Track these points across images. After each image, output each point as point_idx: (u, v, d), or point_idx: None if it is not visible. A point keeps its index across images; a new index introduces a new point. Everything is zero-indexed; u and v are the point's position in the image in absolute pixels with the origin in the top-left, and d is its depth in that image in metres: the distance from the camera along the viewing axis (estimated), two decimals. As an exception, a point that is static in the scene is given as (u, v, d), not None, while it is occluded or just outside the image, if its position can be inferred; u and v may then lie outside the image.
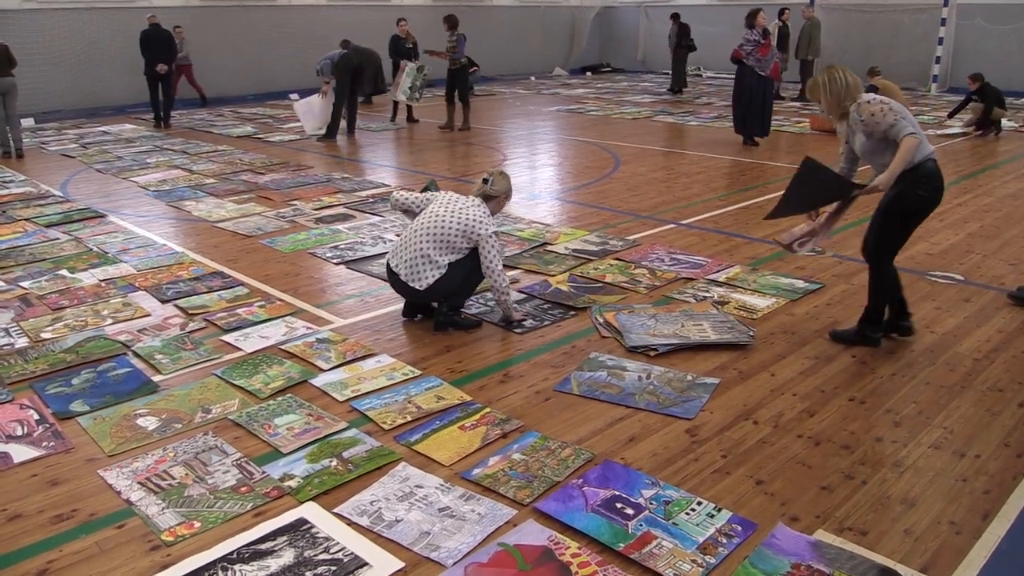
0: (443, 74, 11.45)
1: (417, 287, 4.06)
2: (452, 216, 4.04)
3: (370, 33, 16.39)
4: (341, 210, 6.81)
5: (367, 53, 13.35)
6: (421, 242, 4.05)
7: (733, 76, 9.81)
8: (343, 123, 10.86)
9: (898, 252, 3.84)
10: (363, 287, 4.91)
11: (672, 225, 6.21)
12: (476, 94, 16.55)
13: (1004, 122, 11.60)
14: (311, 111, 10.83)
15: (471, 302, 4.54)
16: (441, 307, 4.23)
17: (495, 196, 4.21)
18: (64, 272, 5.19)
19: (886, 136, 3.61)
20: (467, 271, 4.11)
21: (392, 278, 4.21)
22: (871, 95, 3.72)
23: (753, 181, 7.85)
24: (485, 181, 4.21)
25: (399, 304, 4.59)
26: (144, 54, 11.52)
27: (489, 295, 4.66)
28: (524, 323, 4.27)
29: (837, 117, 3.82)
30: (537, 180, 8.23)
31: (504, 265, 5.18)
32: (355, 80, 10.66)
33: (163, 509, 2.68)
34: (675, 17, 15.69)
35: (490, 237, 4.01)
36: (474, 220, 4.02)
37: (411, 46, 12.38)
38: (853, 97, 3.72)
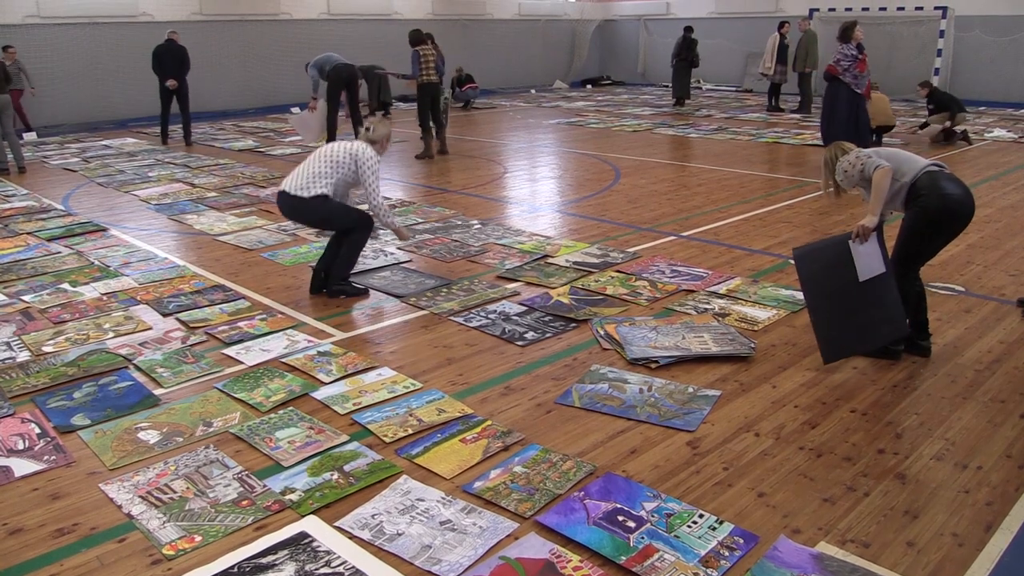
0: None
1: (304, 195, 4.69)
2: (341, 147, 4.80)
3: (370, 47, 16.50)
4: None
5: (366, 70, 13.42)
6: (314, 164, 4.77)
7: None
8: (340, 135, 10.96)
9: (913, 269, 3.83)
10: (364, 300, 4.91)
11: (673, 237, 6.22)
12: (476, 107, 16.63)
13: (1004, 132, 11.64)
14: (306, 124, 11.00)
15: (475, 313, 4.56)
16: (334, 278, 4.90)
17: (377, 140, 4.89)
18: (66, 286, 5.20)
19: (866, 180, 3.73)
20: (346, 215, 4.86)
21: (283, 201, 4.83)
22: (843, 160, 3.84)
23: (754, 193, 7.87)
24: (367, 129, 4.92)
25: (401, 316, 4.61)
26: (156, 70, 11.32)
27: (491, 307, 4.67)
28: (411, 240, 5.29)
29: (845, 188, 3.94)
30: (538, 193, 8.25)
31: (505, 277, 5.22)
32: (351, 93, 10.68)
33: (164, 523, 2.68)
34: (687, 30, 15.72)
35: (372, 160, 4.76)
36: (359, 149, 4.77)
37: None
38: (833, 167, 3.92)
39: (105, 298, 4.97)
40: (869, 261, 3.74)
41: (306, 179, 4.74)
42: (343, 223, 4.90)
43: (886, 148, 3.92)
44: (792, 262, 5.44)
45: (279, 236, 6.42)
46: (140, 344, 4.23)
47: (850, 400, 3.52)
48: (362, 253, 5.84)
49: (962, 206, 3.69)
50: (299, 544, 2.55)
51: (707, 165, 9.53)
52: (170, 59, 11.30)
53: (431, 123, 10.15)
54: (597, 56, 22.68)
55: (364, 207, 5.09)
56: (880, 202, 3.68)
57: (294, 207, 4.82)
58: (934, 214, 3.67)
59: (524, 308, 4.68)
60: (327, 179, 4.73)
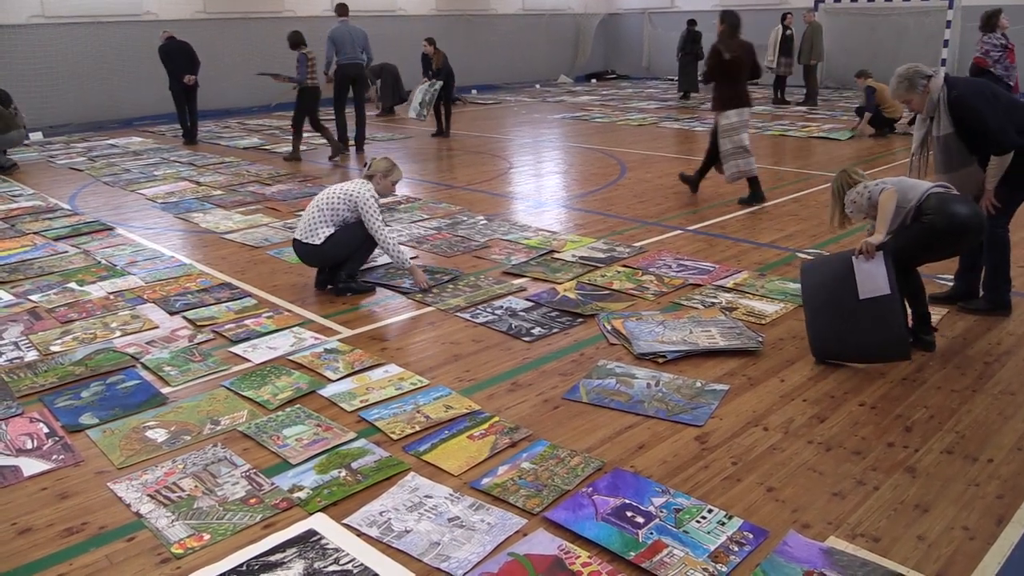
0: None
1: (315, 242, 4.78)
2: (338, 189, 4.87)
3: (375, 43, 16.46)
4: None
5: (387, 67, 13.31)
6: (313, 211, 4.85)
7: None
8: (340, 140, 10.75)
9: (909, 268, 3.81)
10: (370, 297, 4.91)
11: (679, 231, 6.20)
12: (477, 102, 16.60)
13: None
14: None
15: (482, 309, 4.55)
16: (340, 275, 4.91)
17: (374, 176, 4.95)
18: (73, 285, 5.21)
19: (874, 207, 3.78)
20: (357, 236, 4.83)
21: (297, 248, 4.95)
22: (851, 191, 3.92)
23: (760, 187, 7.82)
24: (365, 166, 5.08)
25: (406, 314, 4.61)
26: (167, 68, 11.14)
27: (497, 303, 4.66)
28: (431, 291, 4.96)
29: (854, 218, 4.04)
30: (543, 188, 8.23)
31: (511, 273, 5.21)
32: (357, 91, 10.36)
33: (173, 522, 2.68)
34: (691, 23, 15.67)
35: (368, 200, 4.78)
36: (354, 190, 4.82)
37: (436, 67, 11.86)
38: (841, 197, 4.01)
39: (112, 297, 4.98)
40: (872, 279, 3.63)
41: (310, 226, 4.81)
42: (356, 244, 4.87)
43: (893, 177, 3.95)
44: (800, 255, 5.43)
45: (285, 234, 6.42)
46: (147, 343, 4.24)
47: (859, 394, 3.51)
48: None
49: (967, 227, 3.68)
50: (307, 542, 2.55)
51: (713, 159, 9.48)
52: (180, 56, 11.09)
53: (303, 127, 10.11)
54: (601, 50, 22.60)
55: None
56: (886, 222, 3.68)
57: (309, 253, 4.88)
58: (939, 233, 3.68)
59: (530, 304, 4.67)
60: (328, 224, 4.79)
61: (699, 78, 16.69)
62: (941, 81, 3.98)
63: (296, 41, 9.91)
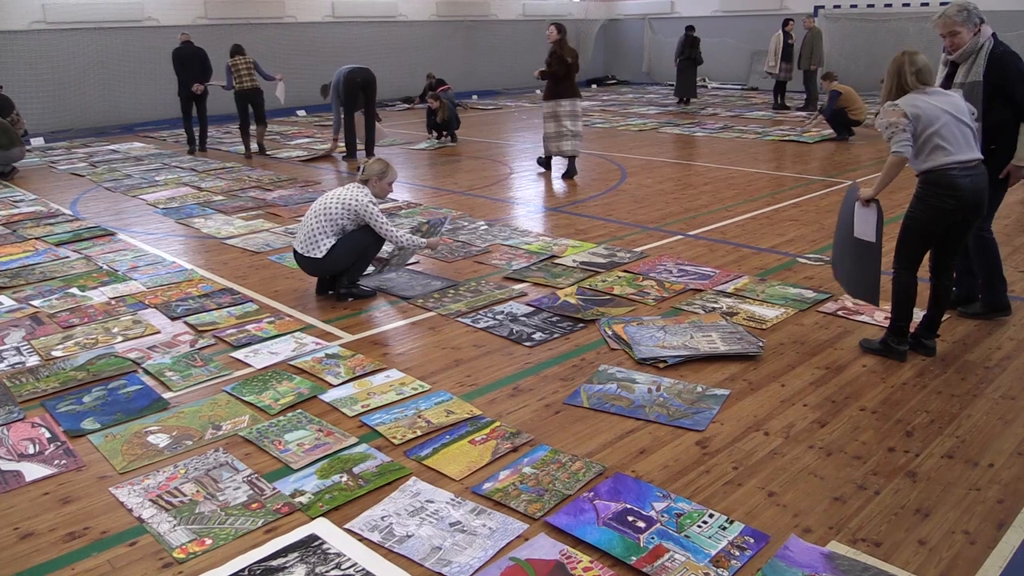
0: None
1: (317, 255, 4.76)
2: (334, 197, 4.82)
3: (375, 49, 16.53)
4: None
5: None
6: (312, 221, 4.81)
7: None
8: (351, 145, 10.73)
9: (916, 262, 3.80)
10: (371, 302, 4.92)
11: (679, 236, 6.21)
12: (478, 107, 16.61)
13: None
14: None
15: (483, 314, 4.56)
16: (342, 281, 4.92)
17: (368, 179, 4.90)
18: (74, 290, 5.22)
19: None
20: (359, 245, 4.83)
21: (298, 260, 4.92)
22: (896, 103, 3.61)
23: (760, 191, 7.85)
24: (359, 170, 5.10)
25: (409, 318, 4.61)
26: (178, 73, 10.90)
27: (498, 308, 4.67)
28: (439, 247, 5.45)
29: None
30: (544, 193, 8.24)
31: (512, 278, 5.22)
32: (368, 96, 10.19)
33: (175, 526, 2.68)
34: (689, 29, 15.74)
35: (368, 206, 4.75)
36: (351, 197, 4.77)
37: (442, 119, 11.78)
38: (889, 96, 3.72)
39: (113, 302, 4.98)
40: (865, 223, 3.87)
41: (310, 238, 4.76)
42: (358, 253, 4.86)
43: (941, 114, 3.58)
44: (800, 260, 5.45)
45: (286, 239, 6.43)
46: (149, 348, 4.25)
47: (859, 398, 3.51)
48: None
49: (967, 202, 3.61)
50: (309, 546, 2.55)
51: (713, 164, 9.51)
52: (193, 62, 10.88)
53: (251, 124, 11.05)
54: (602, 56, 22.66)
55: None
56: (881, 185, 3.71)
57: (311, 265, 4.86)
58: (945, 213, 3.64)
59: (531, 309, 4.68)
60: (329, 235, 4.75)
61: (698, 83, 16.73)
62: (991, 31, 4.06)
63: (231, 51, 10.76)
